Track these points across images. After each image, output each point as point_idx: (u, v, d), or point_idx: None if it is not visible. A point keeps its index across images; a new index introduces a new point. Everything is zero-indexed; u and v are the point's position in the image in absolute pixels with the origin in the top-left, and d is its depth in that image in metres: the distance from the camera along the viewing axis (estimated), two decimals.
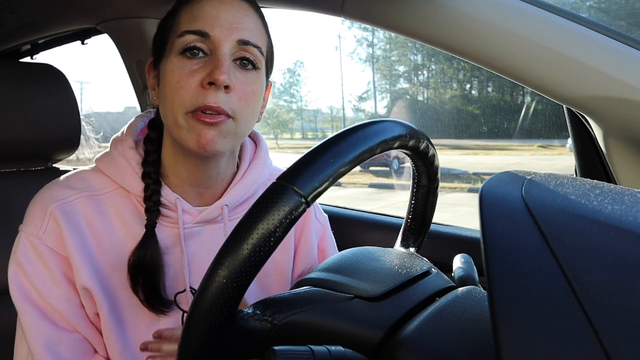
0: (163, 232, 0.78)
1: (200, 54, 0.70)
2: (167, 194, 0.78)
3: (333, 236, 0.99)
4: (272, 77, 0.84)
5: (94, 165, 0.82)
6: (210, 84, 0.68)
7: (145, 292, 0.75)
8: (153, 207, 0.76)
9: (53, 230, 0.74)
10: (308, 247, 0.92)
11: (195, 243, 0.80)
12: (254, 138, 0.91)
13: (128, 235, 0.77)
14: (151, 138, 0.80)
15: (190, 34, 0.70)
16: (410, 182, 0.68)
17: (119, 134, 0.83)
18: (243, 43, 0.71)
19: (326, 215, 1.00)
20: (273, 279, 0.88)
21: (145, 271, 0.74)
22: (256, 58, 0.73)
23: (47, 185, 0.79)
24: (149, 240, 0.75)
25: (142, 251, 0.74)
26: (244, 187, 0.83)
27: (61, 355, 0.73)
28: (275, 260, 0.89)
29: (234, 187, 0.82)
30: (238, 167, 0.86)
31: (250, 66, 0.73)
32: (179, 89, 0.69)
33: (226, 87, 0.69)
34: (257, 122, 0.81)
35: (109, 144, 0.83)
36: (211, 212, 0.80)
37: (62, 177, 0.81)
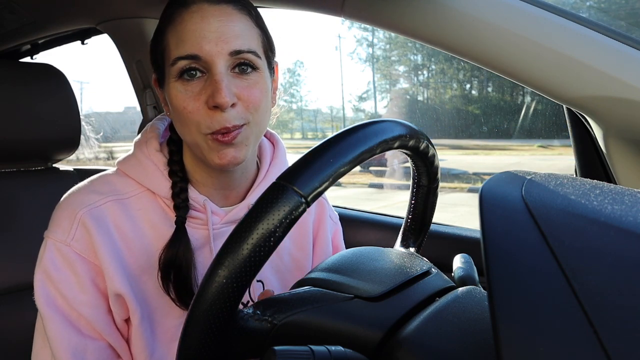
0: (192, 233, 0.78)
1: (198, 74, 0.71)
2: (195, 196, 0.79)
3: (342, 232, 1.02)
4: (276, 76, 0.84)
5: (115, 168, 0.82)
6: (215, 106, 0.69)
7: (177, 289, 0.75)
8: (182, 203, 0.77)
9: (82, 236, 0.73)
10: (325, 244, 0.94)
11: (223, 242, 0.81)
12: (271, 139, 0.93)
13: (157, 237, 0.77)
14: (174, 140, 0.81)
15: (181, 60, 0.70)
16: (410, 182, 0.68)
17: (140, 136, 0.83)
18: (236, 53, 0.70)
19: (337, 214, 1.02)
20: (294, 275, 0.90)
21: (178, 268, 0.75)
22: (252, 61, 0.72)
23: (71, 191, 0.79)
24: (180, 237, 0.76)
25: (174, 249, 0.75)
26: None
27: None
28: (294, 257, 0.91)
29: (259, 186, 0.84)
30: (259, 166, 0.87)
31: (249, 69, 0.72)
32: (189, 113, 0.71)
33: (232, 104, 0.70)
34: (273, 105, 0.82)
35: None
36: (238, 212, 0.82)
37: (85, 181, 0.80)
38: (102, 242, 0.73)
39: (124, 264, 0.75)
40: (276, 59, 0.83)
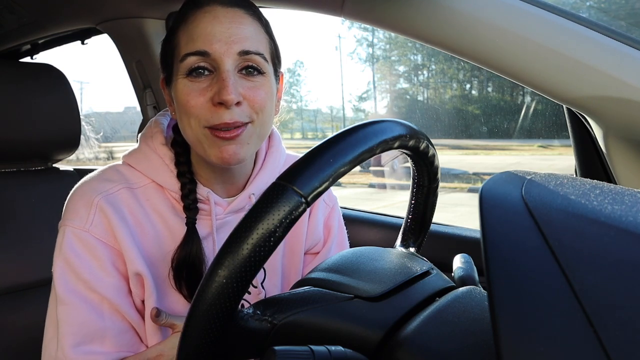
0: (197, 224, 0.81)
1: (206, 72, 0.73)
2: (199, 189, 0.81)
3: (341, 214, 1.02)
4: (281, 84, 0.85)
5: (120, 162, 0.85)
6: (220, 103, 0.70)
7: (189, 287, 0.78)
8: (192, 204, 0.80)
9: (100, 221, 0.75)
10: (314, 225, 0.96)
11: (226, 232, 0.84)
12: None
13: (166, 227, 0.80)
14: (179, 141, 0.83)
15: (191, 55, 0.72)
16: (410, 182, 0.68)
17: (145, 131, 0.85)
18: (244, 53, 0.72)
19: (335, 196, 1.03)
20: (288, 258, 0.93)
21: (191, 266, 0.77)
22: (260, 64, 0.74)
23: (83, 181, 0.81)
24: (192, 236, 0.79)
25: (187, 248, 0.78)
26: (266, 175, 0.87)
27: (104, 350, 0.74)
28: (288, 242, 0.94)
29: (257, 177, 0.86)
30: (256, 157, 0.89)
31: (255, 72, 0.74)
32: (192, 108, 0.72)
33: (237, 103, 0.71)
34: (276, 114, 0.84)
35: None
36: (240, 202, 0.84)
37: (95, 172, 0.82)
38: (119, 225, 0.75)
39: (140, 247, 0.77)
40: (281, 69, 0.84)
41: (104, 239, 0.75)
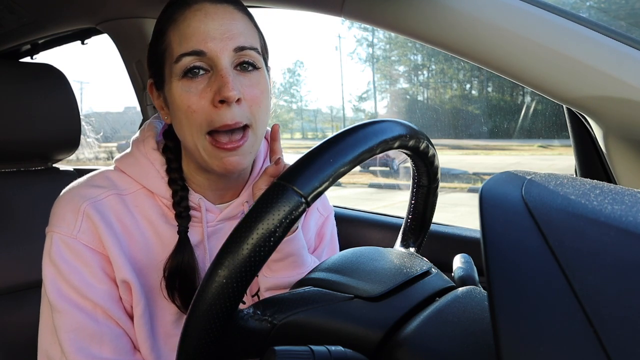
0: (189, 232, 0.79)
1: (202, 72, 0.71)
2: (191, 195, 0.80)
3: (335, 224, 1.02)
4: (271, 78, 0.86)
5: (113, 166, 0.83)
6: (222, 101, 0.69)
7: (182, 296, 0.77)
8: (183, 212, 0.78)
9: (88, 228, 0.74)
10: (305, 232, 0.95)
11: (218, 239, 0.83)
12: (266, 135, 0.93)
13: (156, 234, 0.78)
14: (170, 147, 0.81)
15: (186, 56, 0.70)
16: (410, 182, 0.68)
17: (137, 135, 0.84)
18: (239, 49, 0.71)
19: (332, 207, 1.02)
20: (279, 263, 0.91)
21: (184, 276, 0.76)
22: (255, 59, 0.74)
23: (71, 186, 0.79)
24: (184, 246, 0.77)
25: (179, 257, 0.76)
26: None
27: (103, 355, 0.73)
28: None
29: (252, 184, 0.84)
30: (253, 163, 0.88)
31: (251, 67, 0.74)
32: (192, 112, 0.71)
33: (237, 100, 0.70)
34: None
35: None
36: (233, 209, 0.83)
37: (84, 177, 0.81)
38: (107, 233, 0.74)
39: (128, 254, 0.76)
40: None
41: (92, 245, 0.74)
